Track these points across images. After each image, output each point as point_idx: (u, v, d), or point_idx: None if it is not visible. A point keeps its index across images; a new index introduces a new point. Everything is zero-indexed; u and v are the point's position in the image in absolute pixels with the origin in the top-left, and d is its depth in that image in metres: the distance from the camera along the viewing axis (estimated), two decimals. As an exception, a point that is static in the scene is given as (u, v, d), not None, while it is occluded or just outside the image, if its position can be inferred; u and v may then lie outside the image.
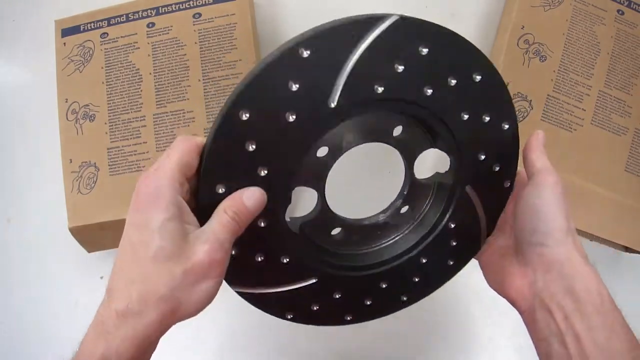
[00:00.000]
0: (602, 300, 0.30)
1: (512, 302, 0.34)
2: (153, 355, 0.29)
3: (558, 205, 0.32)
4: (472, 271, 0.57)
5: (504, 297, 0.35)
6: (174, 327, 0.29)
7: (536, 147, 0.36)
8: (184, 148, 0.30)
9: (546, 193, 0.33)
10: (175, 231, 0.28)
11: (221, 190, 0.31)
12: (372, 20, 0.30)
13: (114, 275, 0.29)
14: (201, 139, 0.31)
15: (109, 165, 0.53)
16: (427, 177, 0.39)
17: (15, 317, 0.59)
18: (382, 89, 0.30)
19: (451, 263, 0.39)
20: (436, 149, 0.36)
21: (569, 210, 0.33)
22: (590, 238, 0.57)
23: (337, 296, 0.37)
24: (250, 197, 0.31)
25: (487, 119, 0.35)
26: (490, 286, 0.37)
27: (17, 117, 0.64)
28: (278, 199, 0.32)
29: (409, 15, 0.30)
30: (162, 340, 0.29)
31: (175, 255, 0.28)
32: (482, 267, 0.39)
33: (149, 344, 0.28)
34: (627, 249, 0.57)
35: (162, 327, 0.28)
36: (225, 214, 0.30)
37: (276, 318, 0.37)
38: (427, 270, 0.38)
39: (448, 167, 0.37)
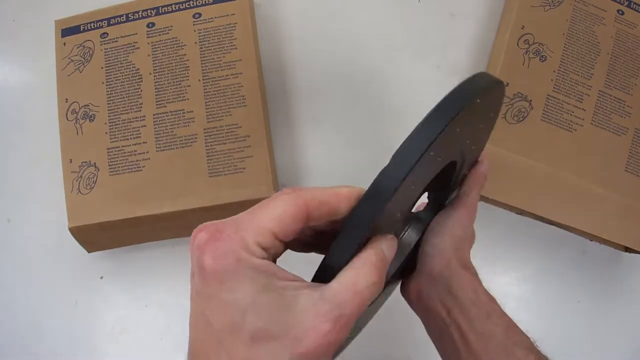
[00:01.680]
0: (477, 294, 0.34)
1: (410, 304, 0.37)
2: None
3: (450, 228, 0.35)
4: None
5: (405, 299, 0.38)
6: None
7: (481, 187, 0.38)
8: (288, 210, 0.22)
9: (450, 219, 0.35)
10: (276, 305, 0.21)
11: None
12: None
13: None
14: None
15: (109, 165, 0.53)
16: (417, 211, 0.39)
17: (15, 317, 0.59)
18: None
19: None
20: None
21: (462, 228, 0.36)
22: (590, 238, 0.57)
23: None
24: (391, 248, 0.25)
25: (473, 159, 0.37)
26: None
27: (17, 117, 0.64)
28: None
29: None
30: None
31: (281, 337, 0.20)
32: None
33: None
34: (627, 249, 0.57)
35: None
36: (370, 260, 0.23)
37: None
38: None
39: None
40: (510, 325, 0.34)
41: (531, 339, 0.34)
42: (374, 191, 0.23)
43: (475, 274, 0.37)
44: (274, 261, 0.23)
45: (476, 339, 0.33)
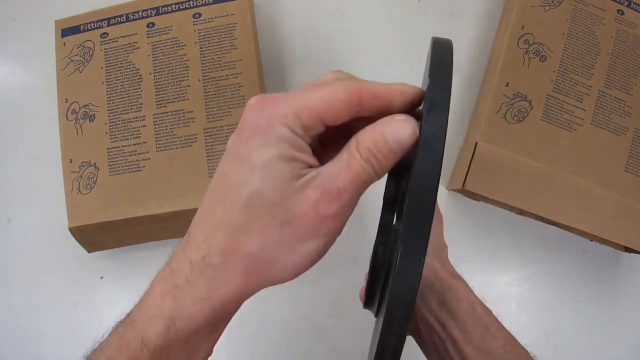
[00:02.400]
0: (473, 306, 0.33)
1: None
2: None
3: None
4: (474, 273, 0.57)
5: None
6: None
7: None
8: (340, 96, 0.22)
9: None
10: (282, 173, 0.21)
11: None
12: None
13: (196, 217, 0.23)
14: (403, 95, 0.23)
15: (109, 165, 0.53)
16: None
17: (16, 317, 0.59)
18: None
19: None
20: None
21: (436, 235, 0.35)
22: (590, 238, 0.57)
23: None
24: (397, 132, 0.21)
25: None
26: None
27: (17, 117, 0.64)
28: None
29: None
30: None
31: (274, 204, 0.21)
32: None
33: (226, 312, 0.23)
34: (627, 249, 0.57)
35: (244, 292, 0.23)
36: (356, 151, 0.22)
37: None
38: None
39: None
40: (509, 339, 0.32)
41: (531, 354, 0.32)
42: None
43: (467, 284, 0.35)
44: (312, 141, 0.23)
45: (474, 354, 0.31)
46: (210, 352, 0.25)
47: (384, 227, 0.29)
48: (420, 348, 0.36)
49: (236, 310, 0.24)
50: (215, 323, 0.23)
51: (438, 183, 0.21)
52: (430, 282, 0.34)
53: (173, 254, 0.23)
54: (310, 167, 0.22)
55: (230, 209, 0.22)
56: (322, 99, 0.22)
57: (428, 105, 0.22)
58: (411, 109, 0.23)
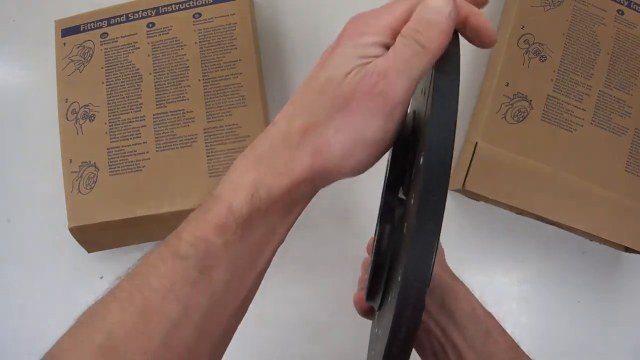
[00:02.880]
0: (474, 310, 0.31)
1: None
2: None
3: None
4: (474, 274, 0.57)
5: None
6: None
7: None
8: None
9: None
10: (353, 63, 0.23)
11: None
12: None
13: (282, 111, 0.26)
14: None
15: (109, 165, 0.53)
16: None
17: (15, 317, 0.59)
18: None
19: None
20: None
21: None
22: (590, 238, 0.57)
23: None
24: (432, 4, 0.24)
25: None
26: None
27: (17, 117, 0.64)
28: None
29: None
30: None
31: (339, 89, 0.23)
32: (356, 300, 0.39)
33: (299, 195, 0.24)
34: (627, 249, 0.57)
35: (312, 176, 0.24)
36: (400, 36, 0.24)
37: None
38: None
39: None
40: (512, 345, 0.31)
41: None
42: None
43: (467, 287, 0.34)
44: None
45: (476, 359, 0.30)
46: (282, 239, 0.26)
47: (387, 208, 0.29)
48: (418, 353, 0.34)
49: (307, 200, 0.25)
50: (290, 204, 0.25)
51: (454, 128, 0.22)
52: (430, 285, 0.33)
53: (256, 139, 0.25)
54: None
55: (309, 94, 0.24)
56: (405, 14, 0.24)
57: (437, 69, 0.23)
58: None
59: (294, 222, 0.26)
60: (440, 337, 0.31)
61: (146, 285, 0.23)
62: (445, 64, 0.24)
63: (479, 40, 0.26)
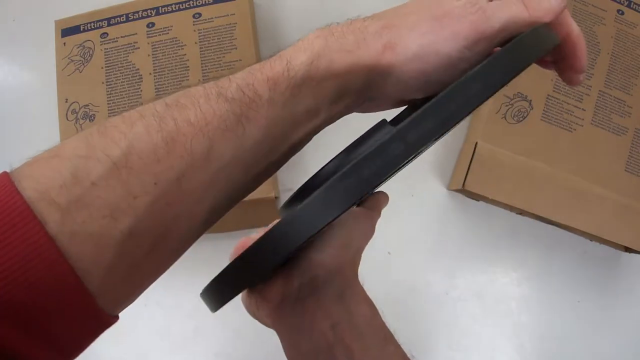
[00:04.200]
0: (374, 314, 0.28)
1: (263, 312, 0.31)
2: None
3: (357, 239, 0.31)
4: (474, 272, 0.57)
5: (251, 305, 0.32)
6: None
7: (384, 205, 0.36)
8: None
9: (358, 229, 0.31)
10: None
11: None
12: None
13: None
14: None
15: (109, 165, 0.53)
16: None
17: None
18: None
19: None
20: None
21: (366, 242, 0.32)
22: (590, 238, 0.57)
23: None
24: None
25: None
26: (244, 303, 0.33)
27: (17, 117, 0.64)
28: None
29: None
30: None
31: (436, 4, 0.25)
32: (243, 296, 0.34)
33: (352, 82, 0.24)
34: (627, 249, 0.57)
35: (376, 65, 0.24)
36: None
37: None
38: None
39: None
40: (406, 358, 0.28)
41: None
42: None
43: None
44: None
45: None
46: (320, 128, 0.26)
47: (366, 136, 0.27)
48: (289, 356, 0.29)
49: (353, 97, 0.25)
50: (340, 89, 0.24)
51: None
52: (331, 274, 0.28)
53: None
54: None
55: (409, 6, 0.25)
56: None
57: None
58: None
59: (336, 118, 0.26)
60: (326, 333, 0.26)
61: (182, 114, 0.22)
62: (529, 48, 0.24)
63: (571, 60, 0.27)
